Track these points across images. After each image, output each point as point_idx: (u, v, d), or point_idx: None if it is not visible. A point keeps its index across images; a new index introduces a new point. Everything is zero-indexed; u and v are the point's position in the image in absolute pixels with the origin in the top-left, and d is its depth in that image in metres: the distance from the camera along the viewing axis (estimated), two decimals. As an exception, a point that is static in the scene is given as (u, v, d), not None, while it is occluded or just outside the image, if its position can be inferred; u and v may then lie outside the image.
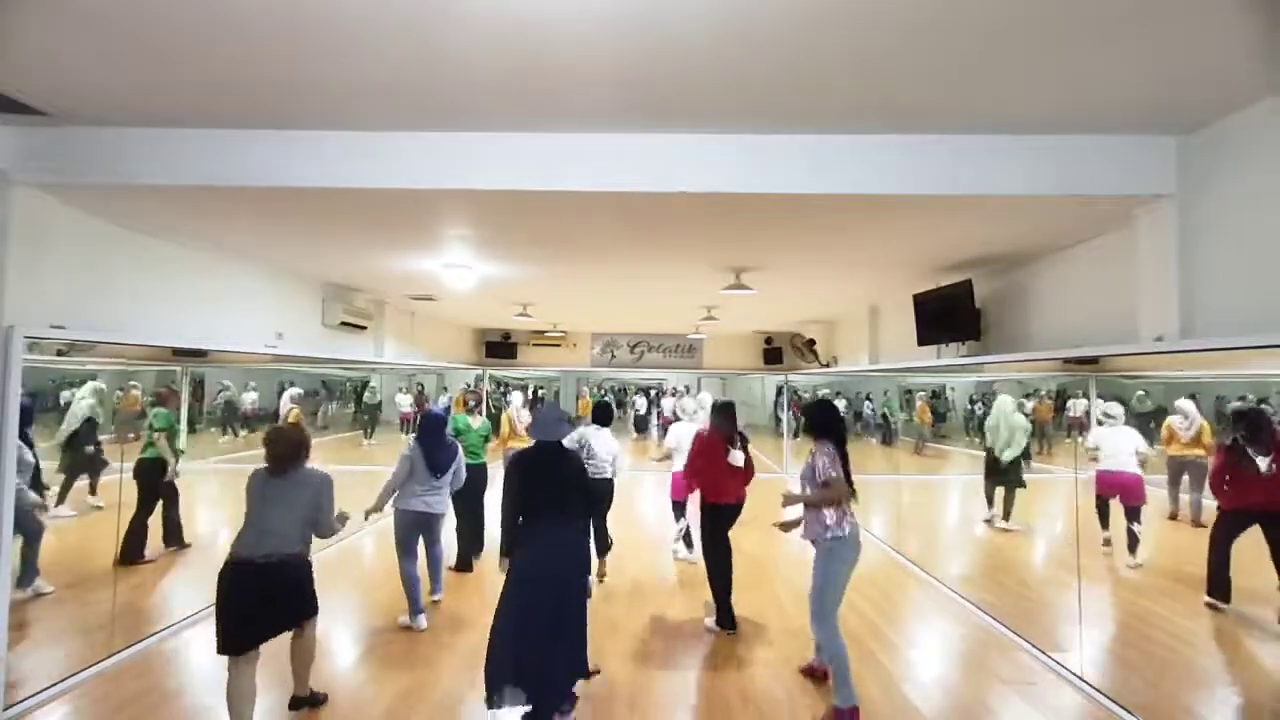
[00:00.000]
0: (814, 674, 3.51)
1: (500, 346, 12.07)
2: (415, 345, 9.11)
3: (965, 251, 4.61)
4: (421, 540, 4.29)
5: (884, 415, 13.11)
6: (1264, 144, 2.59)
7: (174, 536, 5.33)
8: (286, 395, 8.76)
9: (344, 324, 6.74)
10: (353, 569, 5.43)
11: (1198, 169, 2.92)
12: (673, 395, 16.46)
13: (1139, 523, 4.95)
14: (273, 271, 5.69)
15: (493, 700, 2.79)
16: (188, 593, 4.62)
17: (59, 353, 3.84)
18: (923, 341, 5.68)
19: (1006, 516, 6.41)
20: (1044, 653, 3.80)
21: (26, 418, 3.91)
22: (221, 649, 2.66)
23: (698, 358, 12.48)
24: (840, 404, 13.50)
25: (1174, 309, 3.01)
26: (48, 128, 3.06)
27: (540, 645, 2.80)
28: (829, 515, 3.19)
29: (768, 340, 11.74)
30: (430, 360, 9.96)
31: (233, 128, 3.09)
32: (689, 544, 5.66)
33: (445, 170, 3.12)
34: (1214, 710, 3.38)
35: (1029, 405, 10.12)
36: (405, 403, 13.52)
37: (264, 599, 2.70)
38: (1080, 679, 3.48)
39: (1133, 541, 4.95)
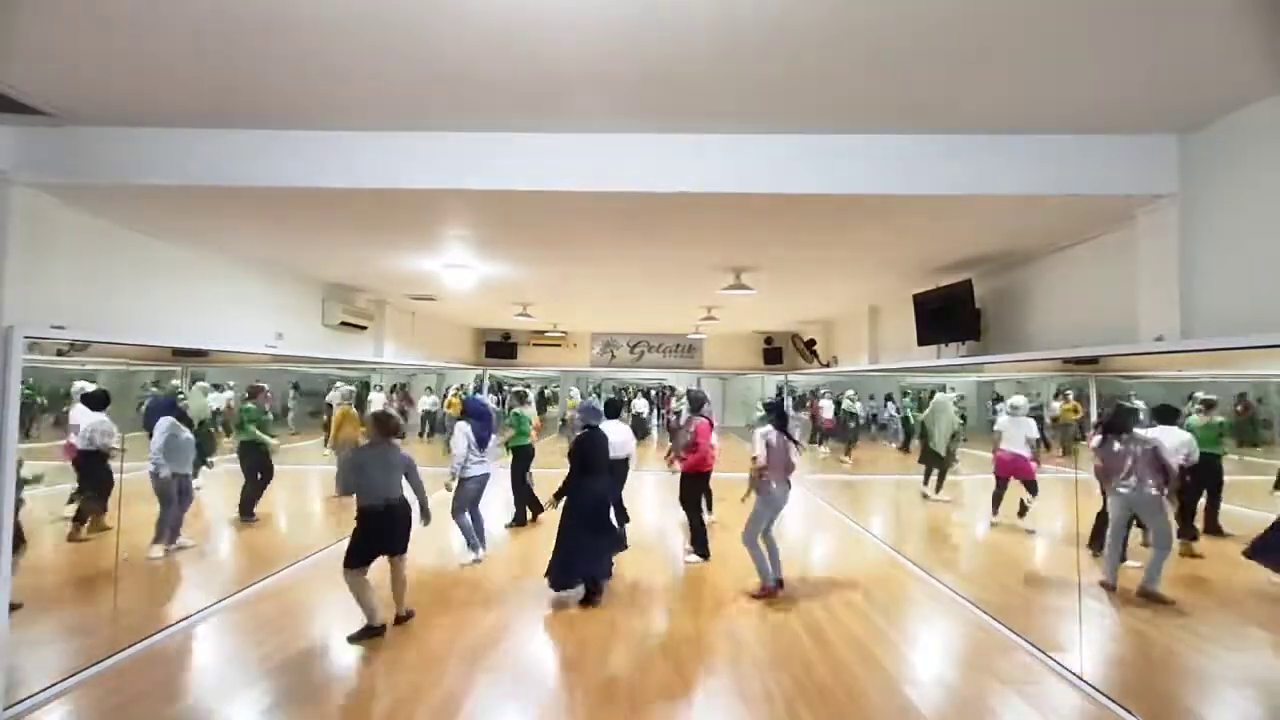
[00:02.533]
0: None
1: (500, 346, 12.06)
2: (415, 345, 9.11)
3: (965, 251, 4.61)
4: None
5: (904, 419, 12.92)
6: (1267, 143, 2.58)
7: (248, 508, 6.44)
8: (335, 393, 10.18)
9: (344, 324, 6.73)
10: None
11: (1200, 168, 2.91)
12: (675, 398, 16.62)
13: (1034, 495, 6.43)
14: (273, 272, 5.69)
15: (557, 585, 4.49)
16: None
17: (59, 353, 3.84)
18: (923, 341, 5.68)
19: (938, 490, 8.04)
20: (1043, 652, 3.80)
21: (167, 412, 5.24)
22: (347, 563, 3.87)
23: (698, 358, 12.46)
24: (858, 406, 13.50)
25: (1174, 309, 3.00)
26: (49, 128, 3.06)
27: (591, 543, 4.54)
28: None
29: (768, 340, 11.74)
30: (430, 360, 9.96)
31: (233, 128, 3.09)
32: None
33: (445, 170, 3.12)
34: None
35: (1028, 405, 10.07)
36: (378, 402, 13.28)
37: (378, 531, 3.94)
38: (1079, 677, 3.48)
39: (1023, 510, 6.50)
